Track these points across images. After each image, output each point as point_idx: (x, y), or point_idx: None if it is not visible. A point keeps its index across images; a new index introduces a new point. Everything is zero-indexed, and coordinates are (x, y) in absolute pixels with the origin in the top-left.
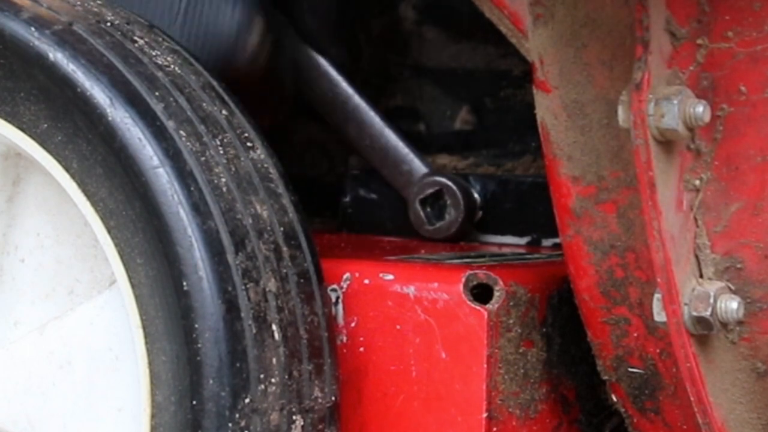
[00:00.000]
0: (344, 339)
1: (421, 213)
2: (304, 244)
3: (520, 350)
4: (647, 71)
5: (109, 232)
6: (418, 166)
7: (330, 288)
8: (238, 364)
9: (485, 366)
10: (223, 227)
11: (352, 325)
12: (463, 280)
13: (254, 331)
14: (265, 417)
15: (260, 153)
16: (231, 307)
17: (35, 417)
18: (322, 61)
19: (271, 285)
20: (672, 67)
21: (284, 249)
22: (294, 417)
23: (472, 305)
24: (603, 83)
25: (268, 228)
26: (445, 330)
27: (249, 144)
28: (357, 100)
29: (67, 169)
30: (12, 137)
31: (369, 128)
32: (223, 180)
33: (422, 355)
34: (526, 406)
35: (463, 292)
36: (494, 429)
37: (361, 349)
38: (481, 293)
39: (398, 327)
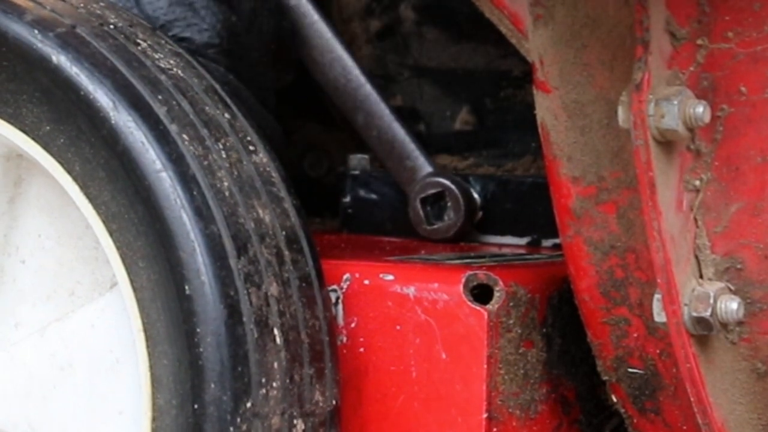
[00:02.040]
0: (344, 339)
1: (421, 212)
2: (306, 248)
3: (520, 351)
4: (647, 72)
5: (111, 235)
6: (423, 164)
7: (330, 289)
8: (239, 369)
9: (485, 366)
10: (226, 231)
11: (352, 325)
12: (463, 280)
13: (256, 335)
14: (266, 421)
15: (262, 156)
16: (233, 312)
17: (36, 419)
18: (337, 45)
19: (273, 289)
20: (672, 68)
21: (286, 253)
22: (295, 421)
23: (472, 305)
24: (603, 84)
25: (270, 232)
26: (445, 330)
27: (251, 147)
28: (368, 88)
29: (70, 172)
30: (14, 139)
31: (378, 119)
32: (226, 184)
33: (422, 356)
34: (526, 407)
35: (463, 292)
36: (494, 429)
37: (361, 349)
38: (481, 293)
39: (398, 327)
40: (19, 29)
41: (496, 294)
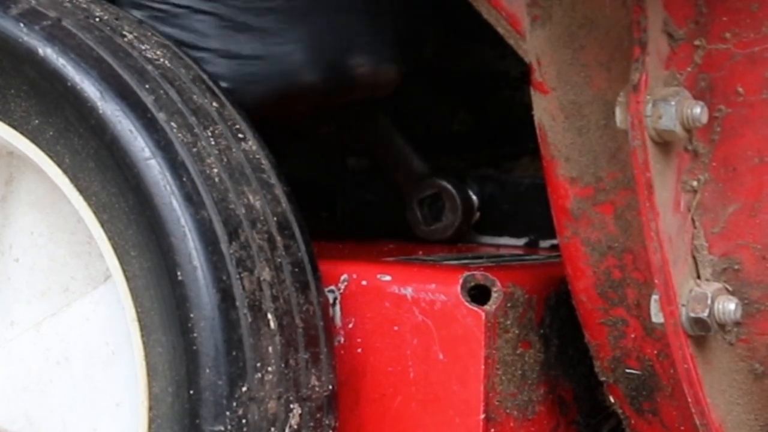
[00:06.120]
0: (342, 340)
1: (418, 213)
2: (298, 234)
3: (518, 351)
4: (645, 72)
5: (102, 225)
6: (419, 166)
7: (328, 289)
8: (234, 353)
9: (483, 367)
10: (217, 217)
11: (350, 326)
12: (461, 281)
13: (250, 319)
14: (262, 405)
15: (252, 144)
16: (226, 296)
17: (34, 414)
18: None
19: (266, 274)
20: (669, 69)
21: (278, 238)
22: (291, 405)
23: (470, 306)
24: (601, 84)
25: (261, 218)
26: (442, 331)
27: (240, 135)
28: None
29: (60, 165)
30: (4, 135)
31: (375, 121)
32: (215, 170)
33: (420, 356)
34: (523, 407)
35: (461, 293)
36: (492, 430)
37: (359, 350)
38: (479, 294)
39: (396, 328)
40: (4, 23)
41: (494, 295)
